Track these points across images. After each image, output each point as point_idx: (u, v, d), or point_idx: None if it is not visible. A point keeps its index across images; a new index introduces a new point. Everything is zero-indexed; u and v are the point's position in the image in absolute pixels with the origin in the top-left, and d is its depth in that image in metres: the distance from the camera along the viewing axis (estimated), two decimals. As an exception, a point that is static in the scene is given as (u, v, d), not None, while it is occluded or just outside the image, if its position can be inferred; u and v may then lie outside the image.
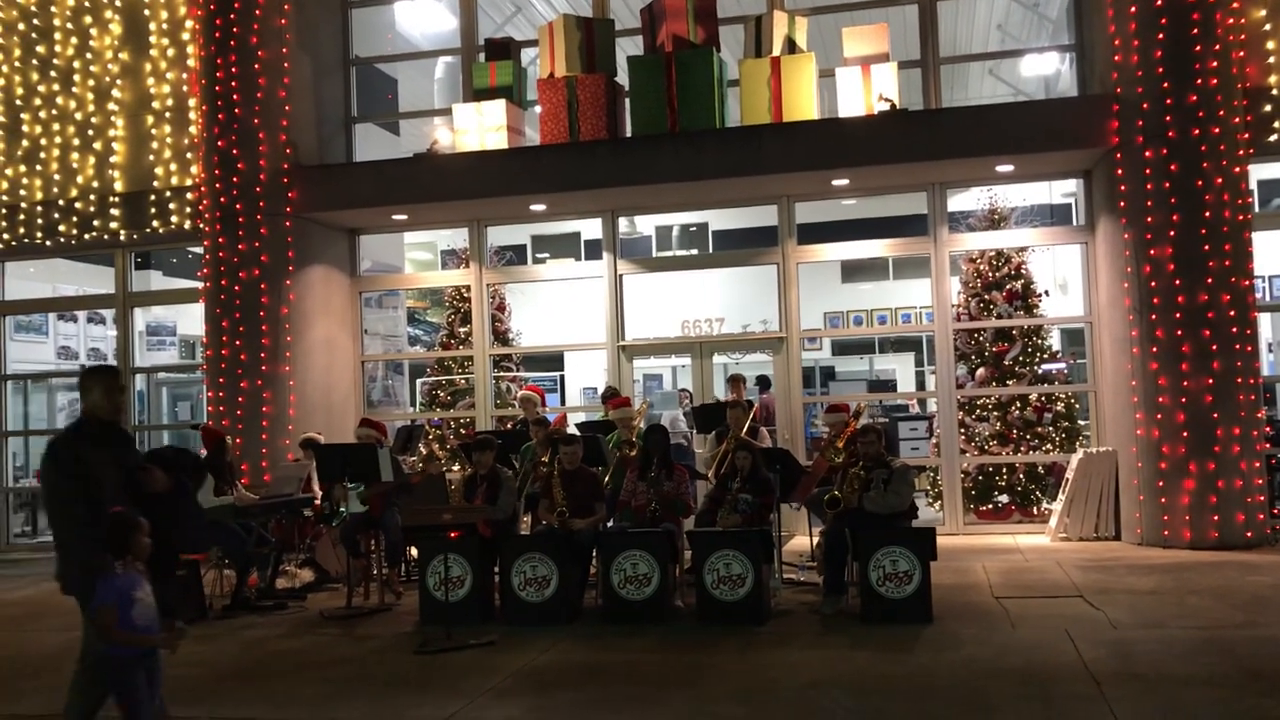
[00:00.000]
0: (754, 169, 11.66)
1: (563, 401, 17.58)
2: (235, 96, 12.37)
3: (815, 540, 9.81)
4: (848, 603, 8.39)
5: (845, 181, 12.14)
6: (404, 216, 13.16)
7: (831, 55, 12.40)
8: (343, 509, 10.13)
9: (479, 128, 12.43)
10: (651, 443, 9.17)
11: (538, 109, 12.46)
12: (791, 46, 11.91)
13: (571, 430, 10.60)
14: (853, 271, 19.03)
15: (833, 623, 8.11)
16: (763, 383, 14.13)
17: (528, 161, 12.22)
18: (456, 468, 12.47)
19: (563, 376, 18.66)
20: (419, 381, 15.21)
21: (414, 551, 9.95)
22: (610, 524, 9.10)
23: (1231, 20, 10.63)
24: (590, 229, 15.41)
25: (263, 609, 9.45)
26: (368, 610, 9.24)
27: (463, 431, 13.33)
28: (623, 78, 12.47)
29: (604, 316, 13.04)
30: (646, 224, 18.22)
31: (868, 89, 11.61)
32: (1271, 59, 10.97)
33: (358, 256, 13.70)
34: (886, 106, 11.46)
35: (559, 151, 12.09)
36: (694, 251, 18.94)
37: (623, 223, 13.66)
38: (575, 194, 12.28)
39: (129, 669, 4.87)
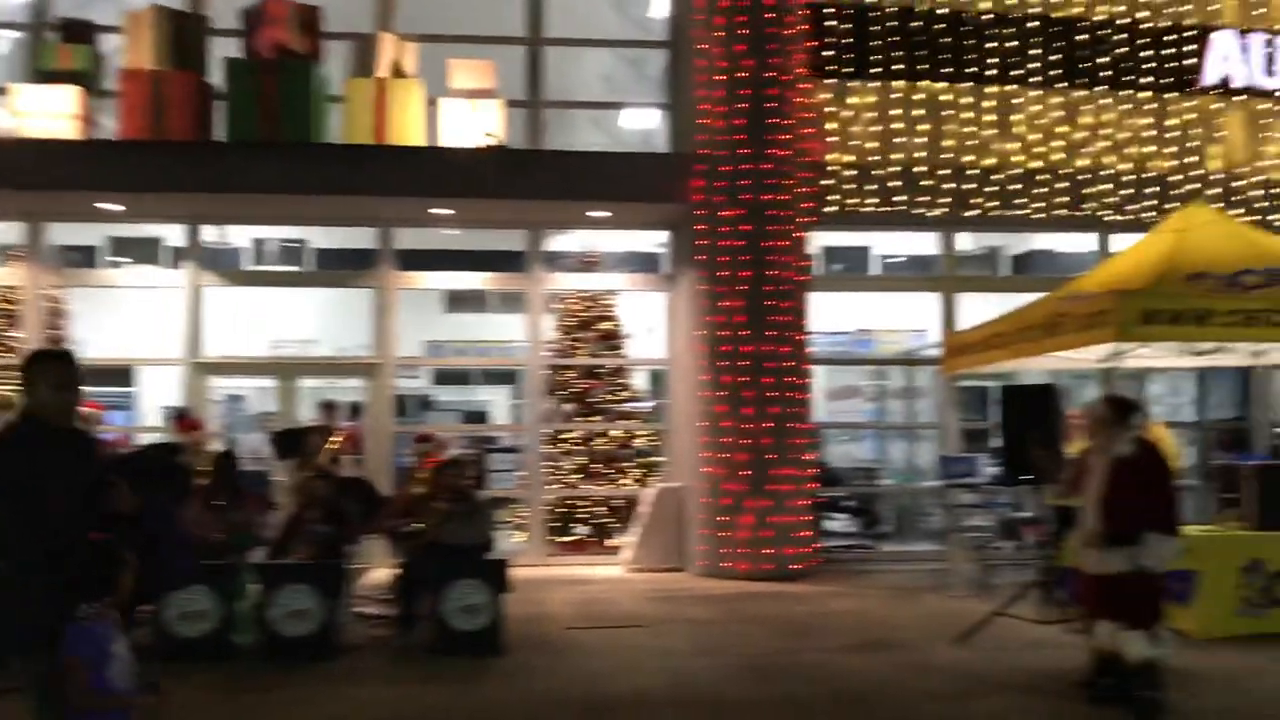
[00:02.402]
0: (354, 189, 11.39)
1: (136, 420, 16.14)
2: None
3: (394, 572, 9.60)
4: (421, 636, 8.27)
5: (449, 212, 12.14)
6: (-58, 203, 11.59)
7: (440, 84, 12.37)
8: None
9: (45, 112, 11.21)
10: (221, 469, 8.61)
11: (117, 101, 11.45)
12: (399, 70, 11.77)
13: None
14: (458, 302, 19.03)
15: (405, 657, 7.96)
16: (353, 409, 13.73)
17: (102, 156, 11.17)
18: None
19: (136, 393, 17.14)
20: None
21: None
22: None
23: (800, 100, 11.76)
24: (176, 235, 14.35)
25: None
26: None
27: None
28: (217, 79, 11.74)
29: (181, 330, 12.16)
30: (242, 235, 17.24)
31: (473, 123, 11.69)
32: (833, 138, 12.22)
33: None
34: (491, 142, 11.60)
35: (140, 149, 11.15)
36: (293, 268, 18.15)
37: (213, 231, 12.82)
38: (157, 196, 11.40)
39: None
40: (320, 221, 13.17)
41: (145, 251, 16.49)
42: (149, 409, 16.93)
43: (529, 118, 12.58)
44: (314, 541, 8.39)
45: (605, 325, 13.04)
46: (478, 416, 17.42)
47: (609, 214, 12.29)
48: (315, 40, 11.65)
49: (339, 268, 15.97)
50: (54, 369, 4.24)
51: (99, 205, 11.71)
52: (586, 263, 13.10)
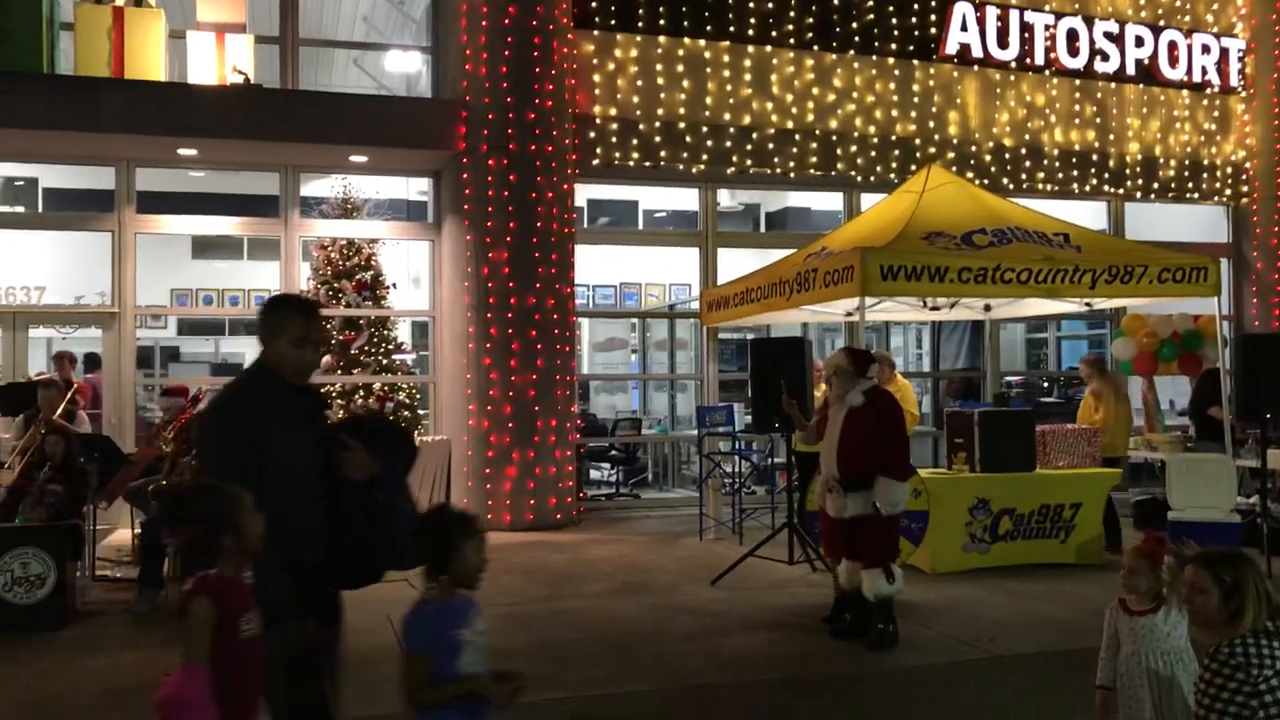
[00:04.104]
0: (89, 125, 10.59)
1: None
2: None
3: (137, 534, 9.12)
4: (165, 598, 7.89)
5: (193, 152, 11.47)
6: None
7: (185, 16, 11.64)
8: None
9: None
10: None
11: None
12: (138, -2, 10.99)
13: None
14: (206, 248, 18.02)
15: (147, 621, 7.59)
16: (91, 361, 12.86)
17: None
18: None
19: None
20: None
21: None
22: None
23: (567, 50, 11.72)
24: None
25: None
26: None
27: None
28: (-75, -3, 10.62)
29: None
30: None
31: (221, 58, 11.08)
32: (598, 90, 12.25)
33: None
34: (240, 79, 11.01)
35: None
36: (19, 209, 16.72)
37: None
38: None
39: None
40: (50, 159, 12.17)
41: None
42: None
43: (283, 55, 12.00)
44: (46, 503, 7.87)
45: (366, 274, 12.69)
46: (230, 368, 16.64)
47: (367, 159, 11.92)
48: (41, -40, 10.69)
49: (73, 209, 14.82)
50: (296, 316, 3.81)
51: None
52: (346, 208, 12.68)
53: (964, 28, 13.65)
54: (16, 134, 10.63)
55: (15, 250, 14.63)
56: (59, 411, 8.89)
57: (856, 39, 13.27)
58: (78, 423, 9.49)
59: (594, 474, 14.43)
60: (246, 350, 18.12)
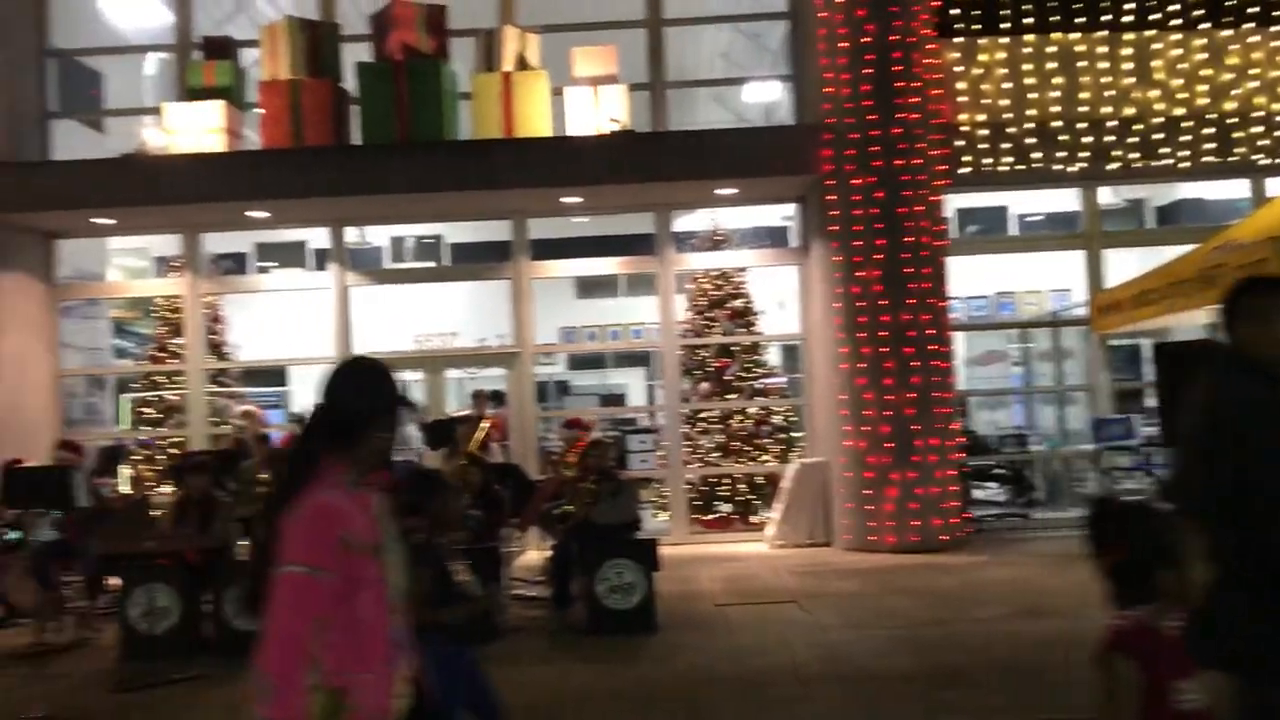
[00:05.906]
0: (487, 183, 11.63)
1: (289, 419, 16.83)
2: (-90, 83, 11.19)
3: (547, 555, 9.83)
4: (576, 616, 8.44)
5: (577, 200, 12.29)
6: (111, 221, 12.26)
7: (562, 73, 12.54)
8: (33, 537, 9.28)
9: (194, 129, 11.76)
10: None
11: (259, 112, 11.95)
12: (523, 63, 11.95)
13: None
14: (588, 287, 19.27)
15: (561, 638, 8.15)
16: (496, 398, 14.08)
17: (248, 166, 11.69)
18: (168, 490, 11.71)
19: (288, 392, 17.88)
20: (122, 398, 14.17)
21: (115, 581, 9.23)
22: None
23: (929, 61, 11.49)
24: (319, 238, 14.93)
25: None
26: (61, 646, 8.51)
27: (174, 452, 12.52)
28: (350, 84, 12.13)
29: (331, 329, 12.63)
30: (380, 235, 17.80)
31: (598, 109, 11.81)
32: (963, 98, 11.92)
33: (54, 262, 12.65)
34: (616, 127, 11.69)
35: (282, 157, 11.63)
36: (430, 264, 18.64)
37: (353, 233, 13.25)
38: (300, 202, 11.85)
39: None
40: (455, 217, 13.54)
41: (291, 256, 17.16)
42: (301, 408, 17.63)
43: (652, 100, 12.62)
44: (468, 527, 8.63)
45: (737, 302, 13.05)
46: (614, 399, 17.64)
47: (736, 190, 12.26)
48: (441, 39, 11.92)
49: (474, 260, 16.33)
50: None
51: (249, 214, 12.25)
52: (715, 241, 13.12)
53: (1387, -21, 12.05)
54: (427, 197, 11.86)
55: (429, 301, 16.31)
56: (474, 444, 9.78)
57: (1253, 10, 12.05)
58: (490, 453, 10.40)
59: (980, 494, 13.90)
60: (630, 380, 19.15)
